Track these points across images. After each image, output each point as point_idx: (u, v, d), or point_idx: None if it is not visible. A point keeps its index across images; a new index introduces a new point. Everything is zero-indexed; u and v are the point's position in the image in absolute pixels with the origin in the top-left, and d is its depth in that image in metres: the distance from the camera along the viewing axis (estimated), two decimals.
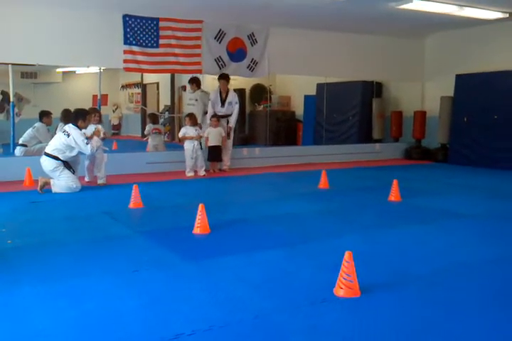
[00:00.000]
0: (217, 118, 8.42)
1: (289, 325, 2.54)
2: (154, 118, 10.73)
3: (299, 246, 3.99)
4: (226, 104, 8.62)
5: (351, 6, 7.71)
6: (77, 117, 6.68)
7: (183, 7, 7.82)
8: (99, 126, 7.29)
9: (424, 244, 4.07)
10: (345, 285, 2.90)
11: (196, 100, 9.93)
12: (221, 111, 8.64)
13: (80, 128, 6.60)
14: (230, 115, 8.68)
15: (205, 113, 9.72)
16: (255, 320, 2.58)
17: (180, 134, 8.18)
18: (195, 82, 9.78)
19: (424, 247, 3.98)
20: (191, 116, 8.24)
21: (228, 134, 8.72)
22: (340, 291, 2.91)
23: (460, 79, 9.76)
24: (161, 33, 8.35)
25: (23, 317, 2.61)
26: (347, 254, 2.92)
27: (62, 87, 15.94)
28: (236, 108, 8.71)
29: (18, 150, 8.45)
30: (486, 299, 2.91)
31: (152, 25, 8.28)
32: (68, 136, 6.45)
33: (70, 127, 6.56)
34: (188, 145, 8.00)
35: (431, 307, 2.75)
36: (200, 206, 4.40)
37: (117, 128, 17.47)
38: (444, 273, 3.35)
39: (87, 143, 6.50)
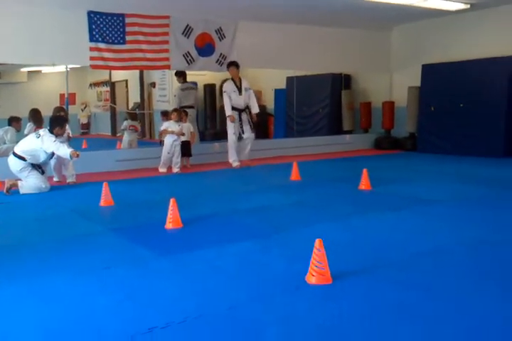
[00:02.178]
0: (180, 112, 8.24)
1: (263, 314, 2.55)
2: (132, 115, 10.68)
3: (271, 237, 4.01)
4: (243, 91, 8.32)
5: None
6: (54, 124, 6.51)
7: (149, 2, 7.73)
8: (68, 129, 7.14)
9: (395, 231, 4.14)
10: (316, 272, 2.93)
11: (175, 96, 9.98)
12: (239, 99, 8.28)
13: (56, 135, 6.43)
14: (247, 108, 8.36)
15: (184, 107, 9.71)
16: (230, 311, 2.58)
17: (162, 128, 8.08)
18: (182, 75, 9.84)
19: (395, 233, 4.05)
20: (178, 112, 8.12)
21: (254, 121, 8.40)
22: (312, 279, 2.94)
23: (426, 69, 9.92)
24: (128, 29, 8.24)
25: None
26: (317, 242, 2.95)
27: (27, 87, 15.65)
28: (252, 94, 8.43)
29: None
30: (460, 282, 2.95)
31: (118, 21, 8.17)
32: (38, 137, 6.32)
33: (44, 131, 6.41)
34: (168, 139, 7.91)
35: (404, 292, 2.79)
36: (172, 200, 4.38)
37: (86, 127, 17.24)
38: (417, 257, 3.41)
39: (56, 145, 6.23)
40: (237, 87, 8.31)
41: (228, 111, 8.35)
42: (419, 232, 4.08)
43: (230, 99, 8.30)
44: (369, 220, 4.50)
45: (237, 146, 8.45)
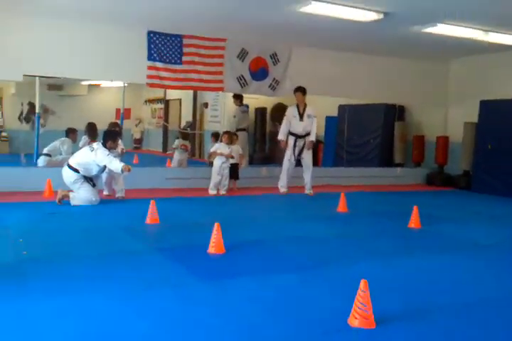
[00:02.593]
0: (231, 134, 8.27)
1: None
2: (184, 135, 10.87)
3: (314, 270, 3.91)
4: (305, 117, 8.17)
5: (376, 29, 7.71)
6: (107, 137, 6.72)
7: (207, 25, 7.90)
8: (119, 141, 7.31)
9: (443, 275, 3.95)
10: (360, 315, 2.81)
11: (234, 116, 10.13)
12: (298, 125, 8.21)
13: (109, 149, 6.62)
14: (306, 135, 8.23)
15: (239, 129, 9.89)
16: None
17: (212, 149, 8.16)
18: (240, 98, 10.00)
19: (443, 278, 3.87)
20: (229, 134, 8.17)
21: (307, 149, 8.25)
22: (354, 321, 2.81)
23: (485, 105, 9.63)
24: (185, 49, 8.43)
25: (31, 331, 2.58)
26: (363, 283, 2.83)
27: (86, 100, 16.23)
28: (315, 121, 8.25)
29: (42, 160, 8.56)
30: (507, 335, 2.78)
31: (176, 42, 8.37)
32: (92, 150, 6.49)
33: (97, 144, 6.60)
34: (217, 161, 7.97)
35: None
36: (216, 225, 4.36)
37: (139, 142, 17.66)
38: (464, 306, 3.23)
39: (110, 158, 6.40)
40: (299, 112, 8.25)
41: (280, 136, 8.35)
42: (468, 278, 3.89)
43: (288, 124, 8.28)
44: (416, 261, 4.32)
45: (291, 173, 8.36)
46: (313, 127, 8.24)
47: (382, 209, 7.29)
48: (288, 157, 8.31)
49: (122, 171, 6.38)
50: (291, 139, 8.25)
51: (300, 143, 8.25)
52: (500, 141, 9.28)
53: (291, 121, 8.26)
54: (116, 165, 6.39)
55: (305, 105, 8.30)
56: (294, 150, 8.25)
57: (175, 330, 2.68)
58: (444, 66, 10.89)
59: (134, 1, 6.59)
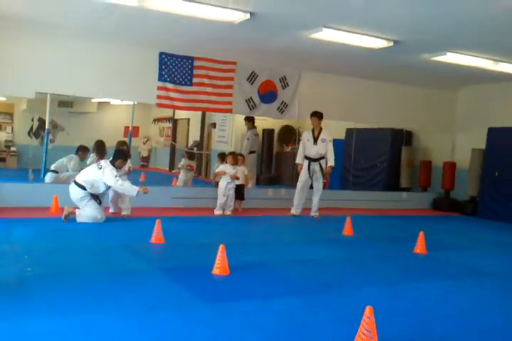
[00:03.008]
0: (236, 156, 8.32)
1: None
2: (190, 155, 10.92)
3: (318, 295, 3.89)
4: (319, 141, 8.23)
5: (385, 56, 7.80)
6: (118, 156, 6.78)
7: (218, 48, 8.03)
8: (129, 163, 7.35)
9: (448, 302, 3.92)
10: None
11: (248, 139, 10.19)
12: (312, 148, 8.28)
13: (116, 167, 6.66)
14: (321, 158, 8.26)
15: (250, 152, 10.01)
16: None
17: (217, 170, 8.21)
18: (252, 120, 10.09)
19: (448, 305, 3.83)
20: (233, 155, 8.21)
21: (326, 174, 8.34)
22: None
23: (492, 132, 9.66)
24: (195, 71, 8.54)
25: None
26: (368, 309, 2.81)
27: (96, 117, 16.37)
28: (330, 145, 8.27)
29: (49, 176, 8.60)
30: None
31: (187, 63, 8.49)
32: (100, 168, 6.54)
33: (106, 163, 6.63)
34: (222, 182, 7.99)
35: None
36: (221, 247, 4.35)
37: (146, 160, 17.74)
38: (469, 335, 3.20)
39: (117, 180, 6.46)
40: (313, 136, 8.31)
41: (297, 159, 8.45)
42: (473, 307, 3.86)
43: (303, 148, 8.36)
44: (422, 288, 4.28)
45: (303, 195, 8.38)
46: (330, 151, 8.28)
47: (387, 233, 7.26)
48: (301, 178, 8.37)
49: (137, 194, 6.45)
50: (305, 162, 8.31)
51: (314, 166, 8.28)
52: (508, 168, 9.27)
53: (305, 145, 8.33)
54: (128, 188, 6.48)
55: (320, 129, 8.36)
56: (308, 173, 8.28)
57: None
58: (453, 93, 10.96)
59: (147, 24, 6.72)
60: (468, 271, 5.05)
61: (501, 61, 7.83)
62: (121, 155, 6.87)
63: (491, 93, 10.17)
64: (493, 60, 7.76)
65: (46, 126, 9.30)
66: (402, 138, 11.60)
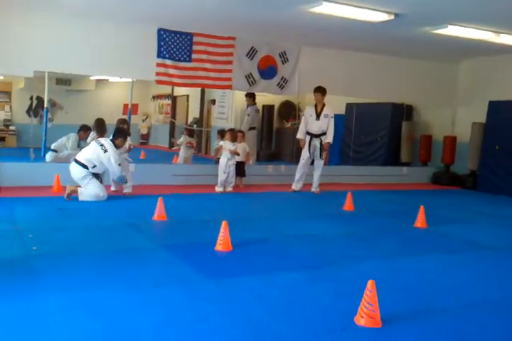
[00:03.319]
0: (238, 133, 8.28)
1: None
2: (190, 132, 10.89)
3: (320, 269, 3.95)
4: (321, 117, 8.15)
5: (386, 29, 7.69)
6: (118, 135, 6.81)
7: (217, 23, 7.92)
8: (127, 138, 7.36)
9: (449, 275, 3.98)
10: (366, 314, 2.85)
11: (248, 115, 10.15)
12: (314, 124, 8.22)
13: (116, 146, 6.70)
14: (322, 134, 8.23)
15: (251, 128, 9.98)
16: None
17: (216, 146, 8.20)
18: (253, 96, 10.03)
19: (449, 278, 3.90)
20: (232, 132, 8.16)
21: (324, 151, 8.29)
22: (361, 320, 2.86)
23: (493, 105, 9.61)
24: (194, 47, 8.44)
25: (41, 327, 2.64)
26: (370, 283, 2.87)
27: (94, 95, 16.27)
28: (332, 122, 8.21)
29: (49, 155, 8.61)
30: (510, 334, 2.82)
31: (186, 39, 8.39)
32: (105, 151, 6.55)
33: (108, 143, 6.64)
34: (222, 159, 7.98)
35: None
36: (224, 223, 4.40)
37: (146, 137, 17.71)
38: (469, 307, 3.27)
39: (118, 165, 6.61)
40: (316, 111, 8.26)
41: (298, 134, 8.42)
42: (473, 279, 3.93)
43: (305, 123, 8.33)
44: (422, 262, 4.35)
45: (304, 171, 8.38)
46: (330, 128, 8.24)
47: (388, 208, 7.31)
48: (302, 154, 8.36)
49: (122, 180, 6.78)
50: (307, 138, 8.29)
51: (315, 142, 8.26)
52: (508, 141, 9.26)
53: (307, 120, 8.30)
54: (119, 172, 6.68)
55: (323, 105, 8.32)
56: (309, 148, 8.29)
57: (182, 327, 2.73)
58: (454, 66, 10.86)
59: (145, 2, 6.61)
60: (468, 245, 5.11)
61: (502, 33, 7.73)
62: (121, 133, 6.87)
63: (492, 66, 10.08)
64: (494, 31, 7.65)
65: (45, 105, 9.26)
66: (403, 112, 11.55)
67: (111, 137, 6.85)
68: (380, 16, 6.82)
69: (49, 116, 10.84)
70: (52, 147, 8.74)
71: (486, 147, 9.67)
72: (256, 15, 7.28)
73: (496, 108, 9.55)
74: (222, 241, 4.35)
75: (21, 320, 2.71)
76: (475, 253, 4.77)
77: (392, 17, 6.81)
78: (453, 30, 7.51)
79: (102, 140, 6.74)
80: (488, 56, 9.91)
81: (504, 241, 5.40)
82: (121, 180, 6.82)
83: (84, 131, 8.74)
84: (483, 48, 8.97)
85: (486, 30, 7.59)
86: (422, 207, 5.90)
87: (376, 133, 11.67)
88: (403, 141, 11.29)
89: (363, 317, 2.85)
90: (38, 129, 10.34)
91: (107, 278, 3.46)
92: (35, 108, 15.16)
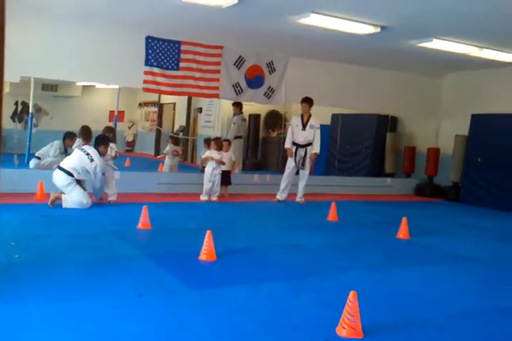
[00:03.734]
0: (223, 142, 8.29)
1: None
2: (176, 140, 10.89)
3: (304, 279, 3.97)
4: (307, 127, 8.23)
5: (372, 42, 7.81)
6: (99, 142, 6.84)
7: (205, 32, 7.96)
8: (113, 145, 7.36)
9: (431, 287, 4.03)
10: (348, 325, 2.87)
11: (234, 124, 10.19)
12: (300, 134, 8.27)
13: (100, 153, 6.72)
14: (308, 144, 8.28)
15: (236, 137, 10.02)
16: None
17: (204, 156, 8.18)
18: (239, 105, 10.07)
19: (430, 290, 3.94)
20: (217, 141, 8.17)
21: (311, 161, 8.36)
22: (342, 331, 2.88)
23: (476, 118, 9.78)
24: (182, 56, 8.47)
25: (24, 338, 2.61)
26: (351, 294, 2.89)
27: (80, 101, 16.18)
28: (318, 132, 8.27)
29: (32, 162, 8.56)
30: None
31: (174, 48, 8.42)
32: (92, 161, 6.54)
33: (94, 152, 6.65)
34: (208, 168, 7.98)
35: None
36: (208, 233, 4.40)
37: (131, 145, 17.63)
38: (451, 318, 3.30)
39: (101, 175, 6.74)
40: (302, 122, 8.32)
41: (286, 144, 8.45)
42: (454, 291, 3.97)
43: (292, 133, 8.37)
44: (404, 273, 4.39)
45: (289, 181, 8.41)
46: (316, 138, 8.30)
47: (371, 219, 7.37)
48: (288, 164, 8.41)
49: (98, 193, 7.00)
50: (293, 148, 8.34)
51: (301, 152, 8.32)
52: (490, 154, 9.42)
53: (293, 130, 8.35)
54: (98, 181, 6.84)
55: (309, 115, 8.38)
56: (295, 158, 8.33)
57: (166, 338, 2.72)
58: (438, 80, 11.04)
59: (133, 7, 6.64)
60: (450, 256, 5.17)
61: (485, 47, 7.91)
62: (102, 140, 6.89)
63: (475, 80, 10.26)
64: (477, 46, 7.83)
65: (30, 110, 9.20)
66: (387, 123, 11.69)
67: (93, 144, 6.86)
68: (366, 29, 6.92)
69: (34, 121, 10.77)
70: (37, 154, 8.69)
71: (469, 159, 9.81)
72: (244, 25, 7.35)
73: (478, 121, 9.72)
74: (207, 250, 4.35)
75: (3, 331, 2.67)
76: (457, 265, 4.83)
77: (378, 30, 6.93)
78: (438, 44, 7.66)
79: (87, 148, 6.72)
80: (471, 70, 10.10)
81: (486, 252, 5.47)
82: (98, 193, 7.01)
83: (70, 138, 8.68)
84: (467, 62, 9.14)
85: (470, 45, 7.75)
86: (404, 219, 5.96)
87: (361, 144, 11.78)
88: (387, 152, 11.42)
89: (344, 327, 2.87)
90: (23, 135, 10.25)
91: (91, 287, 3.44)
92: (20, 113, 14.98)
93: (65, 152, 8.63)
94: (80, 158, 6.58)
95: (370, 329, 2.94)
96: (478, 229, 7.01)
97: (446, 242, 5.86)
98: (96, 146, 6.77)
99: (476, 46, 7.81)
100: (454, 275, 4.47)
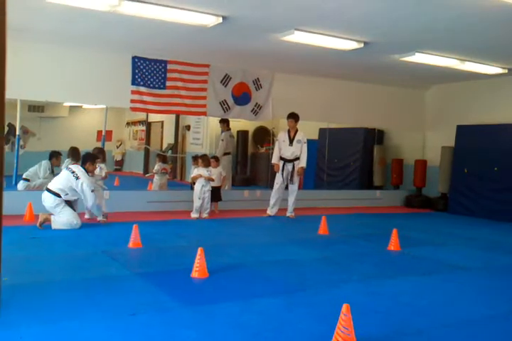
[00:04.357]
0: (205, 158, 8.26)
1: None
2: (164, 158, 10.90)
3: (297, 294, 3.97)
4: (294, 142, 8.31)
5: (356, 57, 7.94)
6: (86, 160, 6.82)
7: (192, 51, 8.06)
8: (103, 165, 7.36)
9: (423, 297, 4.04)
10: (342, 338, 2.87)
11: (222, 140, 10.23)
12: (287, 150, 8.34)
13: (87, 171, 6.70)
14: (295, 159, 8.34)
15: (225, 153, 10.09)
16: None
17: (192, 174, 8.16)
18: (226, 122, 10.12)
19: (423, 300, 3.95)
20: (204, 158, 8.17)
21: (298, 175, 8.40)
22: None
23: (461, 130, 9.93)
24: (169, 75, 8.55)
25: None
26: (344, 307, 2.90)
27: (68, 122, 16.14)
28: (305, 147, 8.35)
29: (21, 185, 8.50)
30: None
31: (160, 67, 8.49)
32: (77, 178, 6.52)
33: (79, 170, 6.63)
34: (197, 185, 7.96)
35: None
36: (200, 250, 4.39)
37: (120, 164, 17.58)
38: (443, 328, 3.32)
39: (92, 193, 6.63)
40: (289, 137, 8.39)
41: (273, 159, 8.52)
42: (446, 300, 3.98)
43: (279, 148, 8.44)
44: (397, 284, 4.40)
45: (279, 196, 8.44)
46: (303, 153, 8.37)
47: (362, 231, 7.40)
48: (276, 179, 8.44)
49: (98, 212, 6.86)
50: (280, 163, 8.40)
51: (288, 167, 8.38)
52: (476, 164, 9.55)
53: (280, 146, 8.41)
54: (90, 199, 6.65)
55: (296, 130, 8.46)
56: (282, 173, 8.37)
57: None
58: (422, 92, 11.22)
59: (118, 28, 6.70)
60: (442, 266, 5.20)
61: (467, 60, 8.07)
62: (88, 158, 6.88)
63: (458, 92, 10.45)
64: (459, 59, 7.99)
65: (16, 132, 9.17)
66: (374, 137, 11.82)
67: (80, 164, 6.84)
68: (350, 44, 7.05)
69: (21, 143, 10.72)
70: (24, 176, 8.62)
71: (456, 170, 9.93)
72: (229, 44, 7.45)
73: (463, 132, 9.87)
74: (199, 267, 4.34)
75: None
76: (448, 275, 4.85)
77: (361, 45, 7.06)
78: (420, 58, 7.81)
79: (73, 167, 6.71)
80: (454, 82, 10.30)
81: (476, 261, 5.51)
82: (97, 211, 6.84)
83: (55, 157, 8.68)
84: (450, 75, 9.32)
85: (452, 58, 7.91)
86: (395, 230, 6.00)
87: (349, 158, 11.89)
88: (375, 164, 11.52)
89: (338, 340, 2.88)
90: (10, 157, 10.20)
91: (83, 308, 3.41)
92: (7, 135, 14.92)
93: (52, 172, 8.59)
94: (66, 177, 6.57)
95: None
96: (467, 239, 7.07)
97: (436, 252, 5.90)
98: (83, 164, 6.75)
99: (457, 59, 7.98)
100: (446, 284, 4.49)
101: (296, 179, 8.42)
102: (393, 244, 5.93)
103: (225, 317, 3.35)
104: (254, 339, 2.98)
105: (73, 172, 6.58)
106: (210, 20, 6.05)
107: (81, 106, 15.72)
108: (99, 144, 11.11)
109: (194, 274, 4.32)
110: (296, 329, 3.19)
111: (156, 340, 2.90)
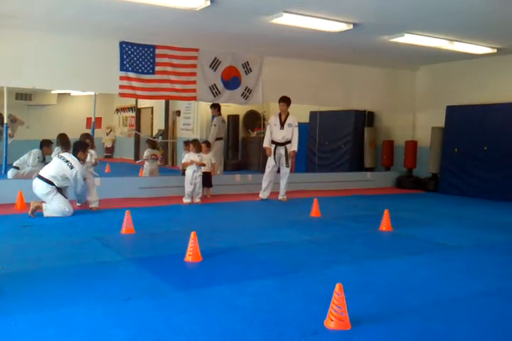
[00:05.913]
0: (196, 143, 8.23)
1: None
2: (153, 144, 10.85)
3: (290, 276, 4.00)
4: (286, 126, 8.31)
5: (345, 38, 7.90)
6: (77, 149, 6.78)
7: (180, 35, 7.97)
8: (93, 152, 7.33)
9: (415, 276, 4.10)
10: (335, 317, 2.91)
11: (215, 125, 10.18)
12: (278, 133, 8.35)
13: (79, 159, 6.68)
14: (287, 142, 8.35)
15: (217, 138, 10.06)
16: None
17: (183, 160, 8.13)
18: (218, 107, 10.07)
19: (415, 279, 4.01)
20: (195, 143, 8.14)
21: (287, 160, 8.36)
22: (330, 323, 2.92)
23: (451, 110, 9.95)
24: (158, 60, 8.46)
25: None
26: (338, 286, 2.93)
27: (56, 109, 16.00)
28: (296, 131, 8.36)
29: (10, 173, 8.44)
30: (478, 332, 2.92)
31: (149, 52, 8.40)
32: (72, 168, 6.50)
33: (73, 159, 6.61)
34: (188, 171, 7.95)
35: None
36: (193, 234, 4.41)
37: (110, 151, 17.51)
38: (436, 305, 3.37)
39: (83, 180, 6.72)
40: (280, 121, 8.40)
41: (264, 143, 8.53)
42: (439, 278, 4.04)
43: (270, 132, 8.44)
44: (389, 264, 4.46)
45: (271, 179, 8.46)
46: (295, 136, 8.37)
47: (354, 213, 7.45)
48: (268, 163, 8.45)
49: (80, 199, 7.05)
50: (272, 146, 8.40)
51: (280, 150, 8.39)
52: (466, 144, 9.60)
53: (272, 129, 8.40)
54: (80, 188, 6.82)
55: (287, 114, 8.44)
56: (274, 157, 8.37)
57: (155, 339, 2.72)
58: (412, 73, 11.20)
59: (105, 14, 6.60)
60: (433, 245, 5.26)
61: (456, 40, 8.05)
62: (80, 146, 6.84)
63: (447, 72, 10.44)
64: (448, 39, 7.96)
65: (4, 121, 9.08)
66: (365, 119, 11.82)
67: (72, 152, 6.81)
68: (339, 26, 7.00)
69: (9, 132, 10.61)
70: (15, 164, 8.57)
71: (446, 150, 9.98)
72: (218, 27, 7.37)
73: (453, 112, 9.90)
74: (192, 252, 4.36)
75: None
76: (439, 253, 4.91)
77: (351, 27, 7.01)
78: (409, 39, 7.77)
79: (66, 155, 6.66)
80: (444, 62, 10.27)
81: (467, 240, 5.58)
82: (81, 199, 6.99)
83: (47, 145, 8.60)
84: (439, 55, 9.30)
85: (441, 38, 7.88)
86: (386, 211, 6.04)
87: (340, 140, 11.90)
88: (366, 146, 11.55)
89: (332, 320, 2.91)
90: None
91: (77, 294, 3.42)
92: None
93: (44, 160, 8.54)
94: (60, 165, 6.53)
95: (357, 320, 2.98)
96: (459, 218, 7.14)
97: (428, 232, 5.97)
98: (74, 153, 6.72)
99: (447, 39, 7.95)
100: (438, 263, 4.55)
101: (289, 162, 8.43)
102: (385, 225, 5.98)
103: (219, 299, 3.38)
104: (249, 321, 3.01)
105: (67, 161, 6.55)
106: (198, 3, 5.97)
107: (69, 94, 15.58)
108: (88, 131, 11.01)
109: (188, 258, 4.35)
110: (290, 309, 3.22)
111: (151, 324, 2.92)
